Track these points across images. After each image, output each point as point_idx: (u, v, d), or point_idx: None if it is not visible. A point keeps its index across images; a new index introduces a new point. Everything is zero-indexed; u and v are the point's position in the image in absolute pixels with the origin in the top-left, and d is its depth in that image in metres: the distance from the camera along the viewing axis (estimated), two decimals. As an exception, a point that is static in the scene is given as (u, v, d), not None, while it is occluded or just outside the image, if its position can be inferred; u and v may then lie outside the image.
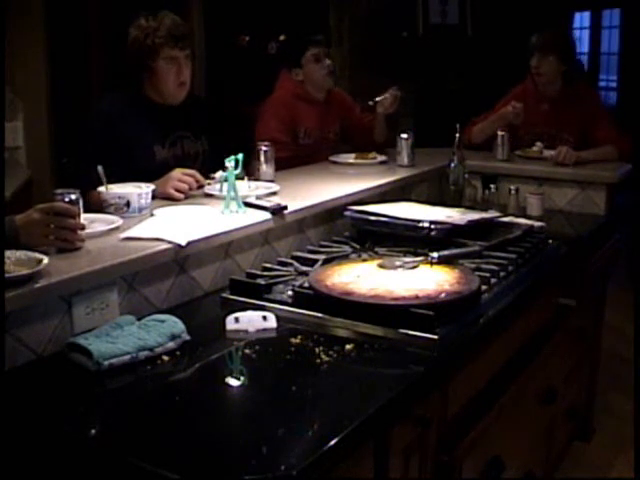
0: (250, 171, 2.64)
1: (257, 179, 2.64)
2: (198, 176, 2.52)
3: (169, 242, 1.91)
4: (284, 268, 2.10)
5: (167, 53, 2.62)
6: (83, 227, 1.86)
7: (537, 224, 2.58)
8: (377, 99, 3.44)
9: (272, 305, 1.87)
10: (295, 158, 3.24)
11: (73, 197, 1.88)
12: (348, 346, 1.67)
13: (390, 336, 1.71)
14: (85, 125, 2.74)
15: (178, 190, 2.45)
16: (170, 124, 2.71)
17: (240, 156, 2.25)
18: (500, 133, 3.37)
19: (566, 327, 2.57)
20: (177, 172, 2.49)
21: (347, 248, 2.28)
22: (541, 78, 3.52)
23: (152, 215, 2.18)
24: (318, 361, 1.61)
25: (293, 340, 1.71)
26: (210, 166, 2.61)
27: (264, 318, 1.79)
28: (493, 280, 2.02)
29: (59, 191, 1.88)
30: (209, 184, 2.52)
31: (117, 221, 2.05)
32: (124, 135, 2.59)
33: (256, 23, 5.25)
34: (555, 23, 6.03)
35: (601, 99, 4.21)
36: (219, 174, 2.43)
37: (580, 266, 2.66)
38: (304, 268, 2.08)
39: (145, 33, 2.63)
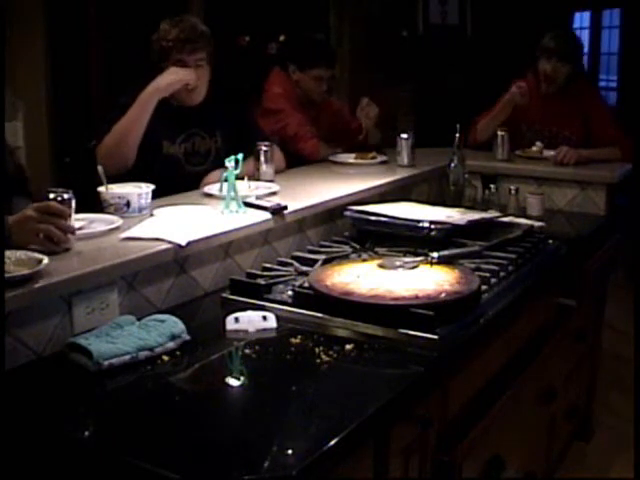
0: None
1: (257, 179, 2.65)
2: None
3: (169, 242, 1.91)
4: (284, 268, 2.10)
5: (175, 57, 2.63)
6: (73, 231, 1.85)
7: (537, 224, 2.58)
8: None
9: (272, 305, 1.87)
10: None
11: (66, 197, 1.86)
12: (348, 346, 1.67)
13: (390, 336, 1.71)
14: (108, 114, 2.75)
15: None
16: (184, 123, 2.73)
17: (240, 156, 2.25)
18: (500, 133, 3.37)
19: (566, 327, 2.57)
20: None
21: (347, 248, 2.28)
22: (553, 84, 3.51)
23: (152, 215, 2.18)
24: (318, 361, 1.61)
25: (293, 340, 1.71)
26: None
27: (264, 318, 1.79)
28: (493, 280, 2.02)
29: (52, 190, 1.86)
30: None
31: (117, 221, 2.05)
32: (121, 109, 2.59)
33: (256, 23, 5.24)
34: (555, 23, 6.02)
35: (602, 98, 4.19)
36: None
37: (580, 266, 2.66)
38: (304, 268, 2.08)
39: (160, 36, 2.66)
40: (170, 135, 2.70)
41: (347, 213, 2.46)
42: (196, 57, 2.66)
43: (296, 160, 3.22)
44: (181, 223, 2.08)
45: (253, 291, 1.93)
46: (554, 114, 3.54)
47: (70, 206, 1.86)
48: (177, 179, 2.61)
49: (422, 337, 1.68)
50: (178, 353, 1.65)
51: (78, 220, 1.98)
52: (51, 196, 1.84)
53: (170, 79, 2.58)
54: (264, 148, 2.69)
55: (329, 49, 3.67)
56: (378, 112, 3.45)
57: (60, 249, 1.80)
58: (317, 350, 1.65)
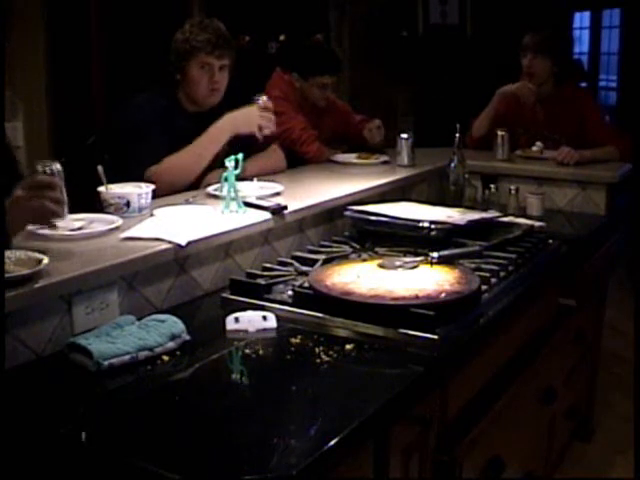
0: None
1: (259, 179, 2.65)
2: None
3: (169, 242, 1.91)
4: (284, 268, 2.10)
5: (202, 58, 2.65)
6: (65, 202, 1.76)
7: (537, 224, 2.58)
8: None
9: (272, 305, 1.87)
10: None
11: (54, 168, 1.80)
12: (348, 346, 1.67)
13: (390, 336, 1.71)
14: (118, 124, 2.76)
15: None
16: (194, 130, 2.72)
17: (240, 156, 2.26)
18: (500, 133, 3.37)
19: (566, 327, 2.57)
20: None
21: (347, 248, 2.28)
22: (533, 79, 3.52)
23: (152, 215, 2.18)
24: (318, 361, 1.61)
25: (293, 340, 1.71)
26: None
27: (264, 318, 1.79)
28: (493, 280, 2.02)
29: (40, 162, 1.80)
30: None
31: (117, 221, 2.05)
32: (151, 139, 2.61)
33: (256, 23, 5.25)
34: (555, 23, 6.03)
35: (594, 100, 4.20)
36: None
37: (580, 266, 2.66)
38: (304, 268, 2.08)
39: (186, 36, 2.67)
40: (183, 146, 2.69)
41: (347, 213, 2.46)
42: (222, 62, 2.69)
43: (297, 160, 3.22)
44: (181, 223, 2.08)
45: (253, 291, 1.93)
46: (548, 117, 3.54)
47: (61, 177, 1.79)
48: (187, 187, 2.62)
49: (422, 337, 1.68)
50: (178, 353, 1.65)
51: (78, 220, 1.98)
52: (39, 169, 1.78)
53: (249, 121, 2.61)
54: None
55: (332, 56, 3.58)
56: (383, 136, 3.49)
57: (57, 220, 1.76)
58: (317, 350, 1.65)
